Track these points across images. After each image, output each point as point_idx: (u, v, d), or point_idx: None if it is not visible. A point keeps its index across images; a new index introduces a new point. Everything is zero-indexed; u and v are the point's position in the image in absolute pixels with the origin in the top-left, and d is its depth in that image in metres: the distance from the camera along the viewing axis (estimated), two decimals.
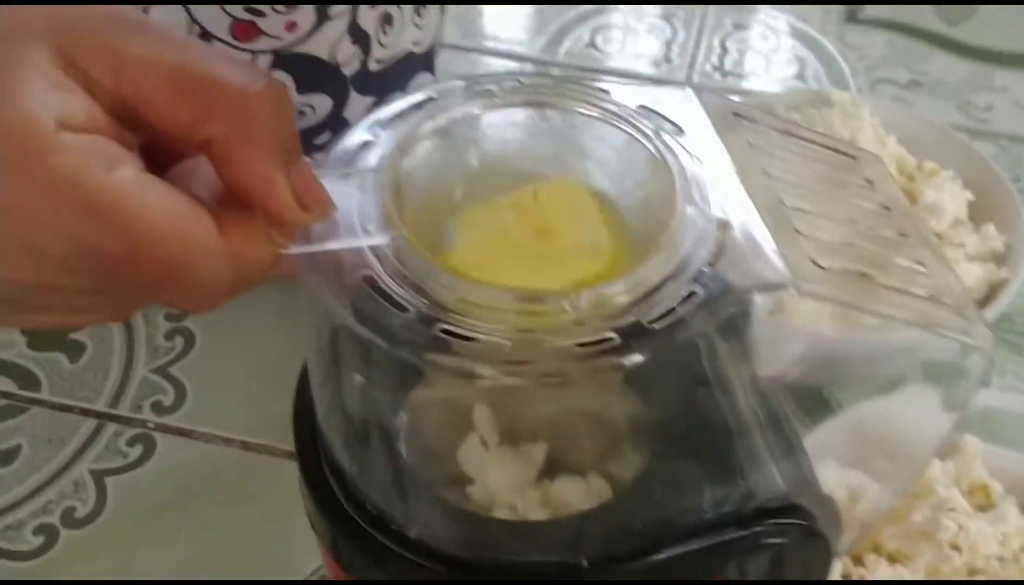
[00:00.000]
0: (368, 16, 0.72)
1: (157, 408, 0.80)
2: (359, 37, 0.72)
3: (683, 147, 0.47)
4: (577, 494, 0.51)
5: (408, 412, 0.51)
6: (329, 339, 0.44)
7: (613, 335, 0.40)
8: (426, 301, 0.41)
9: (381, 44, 0.74)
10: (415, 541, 0.46)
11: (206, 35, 0.67)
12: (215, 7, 0.66)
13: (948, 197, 0.79)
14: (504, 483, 0.52)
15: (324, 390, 0.47)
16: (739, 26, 1.13)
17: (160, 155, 0.41)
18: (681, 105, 0.49)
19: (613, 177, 0.47)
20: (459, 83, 0.48)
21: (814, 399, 0.63)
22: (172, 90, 0.38)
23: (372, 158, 0.45)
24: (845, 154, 0.51)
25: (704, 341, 0.43)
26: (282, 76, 0.71)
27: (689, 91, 0.49)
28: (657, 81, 0.48)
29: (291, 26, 0.69)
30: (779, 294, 0.58)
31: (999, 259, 0.79)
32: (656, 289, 0.41)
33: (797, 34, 1.12)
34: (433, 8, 0.78)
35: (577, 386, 0.48)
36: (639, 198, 0.47)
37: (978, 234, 0.80)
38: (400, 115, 0.47)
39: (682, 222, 0.43)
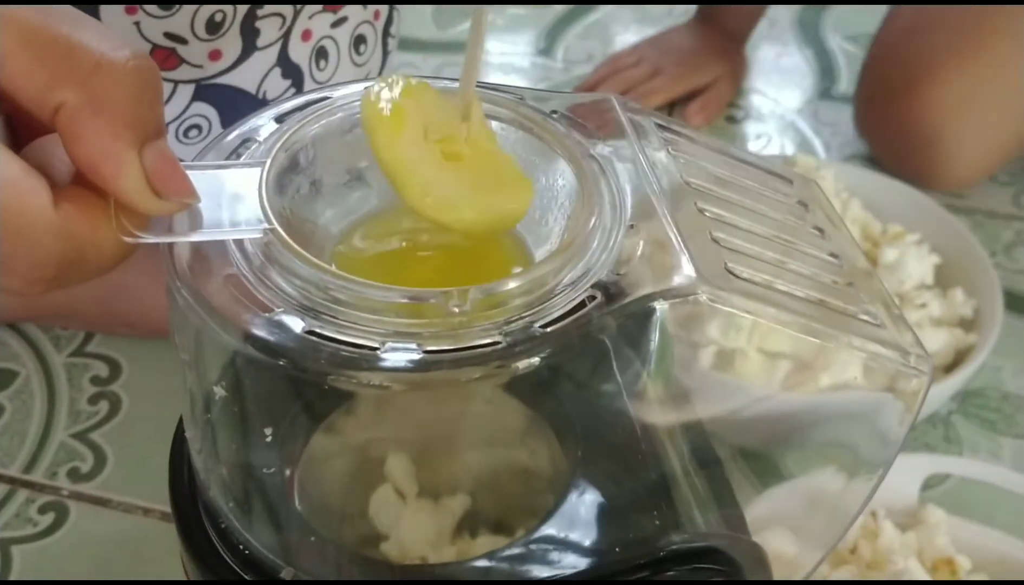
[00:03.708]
0: (300, 49, 0.69)
1: (73, 475, 0.76)
2: (290, 71, 0.69)
3: (596, 152, 0.43)
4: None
5: (292, 449, 0.46)
6: (193, 344, 0.40)
7: (500, 338, 0.36)
8: (294, 301, 0.36)
9: (315, 80, 0.71)
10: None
11: None
12: (133, 33, 0.62)
13: (912, 259, 0.75)
14: (421, 537, 0.47)
15: (190, 405, 0.42)
16: None
17: (23, 129, 0.38)
18: (601, 113, 0.45)
19: None
20: (361, 85, 0.45)
21: (766, 467, 0.58)
22: (26, 52, 0.35)
23: (256, 152, 0.41)
24: (779, 176, 0.48)
25: (609, 350, 0.40)
26: (205, 108, 0.67)
27: (611, 99, 0.46)
28: (582, 93, 0.45)
29: (215, 55, 0.65)
30: (723, 346, 0.54)
31: (967, 324, 0.75)
32: (553, 292, 0.37)
33: (769, 109, 1.10)
34: (375, 47, 0.75)
35: (472, 398, 0.44)
36: (547, 202, 0.43)
37: (945, 298, 0.75)
38: (293, 112, 0.43)
39: (588, 226, 0.39)
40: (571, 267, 0.38)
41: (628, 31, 1.21)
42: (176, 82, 0.66)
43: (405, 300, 0.36)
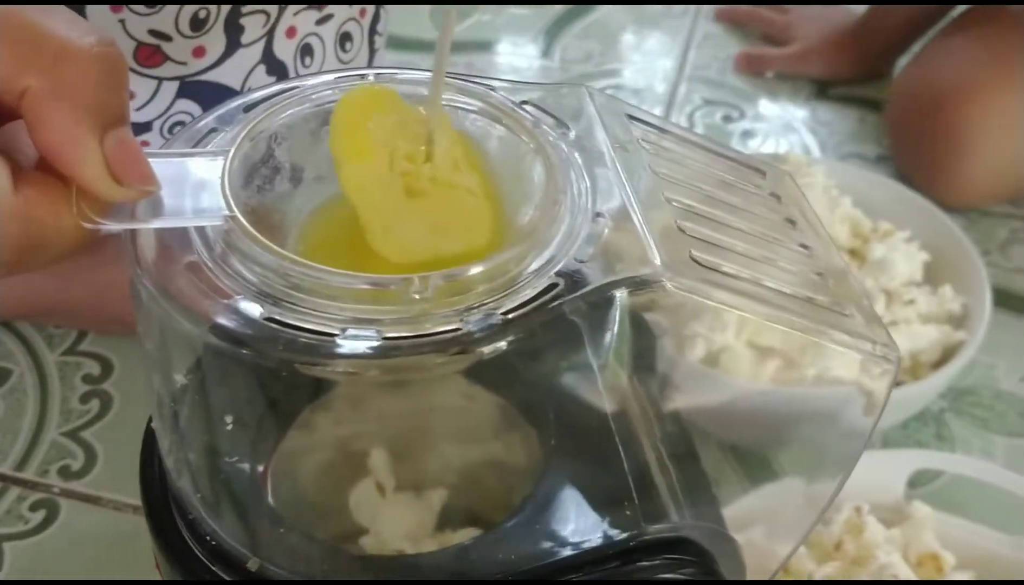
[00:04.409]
0: (285, 46, 0.69)
1: (64, 473, 0.76)
2: (275, 67, 0.69)
3: (564, 142, 0.43)
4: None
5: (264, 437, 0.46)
6: (156, 333, 0.40)
7: (460, 325, 0.36)
8: (254, 288, 0.36)
9: (300, 76, 0.71)
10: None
11: None
12: (118, 31, 0.63)
13: (900, 256, 0.74)
14: (400, 530, 0.47)
15: (155, 395, 0.42)
16: (709, 101, 1.10)
17: None
18: (572, 104, 0.45)
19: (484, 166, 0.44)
20: (330, 76, 0.45)
21: (752, 462, 0.58)
22: None
23: (223, 141, 0.41)
24: (752, 168, 0.47)
25: (579, 339, 0.39)
26: (190, 105, 0.67)
27: (583, 90, 0.46)
28: (552, 82, 0.44)
29: (199, 52, 0.65)
30: (711, 343, 0.54)
31: (956, 321, 0.74)
32: (516, 279, 0.37)
33: (766, 109, 1.09)
34: (362, 45, 0.75)
35: (445, 391, 0.44)
36: (514, 190, 0.42)
37: (935, 295, 0.75)
38: (263, 101, 0.43)
39: (552, 214, 0.39)
40: (535, 254, 0.38)
41: (626, 31, 1.21)
42: (161, 79, 0.66)
43: (365, 286, 0.36)
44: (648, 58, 1.17)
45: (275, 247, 0.36)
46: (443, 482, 0.49)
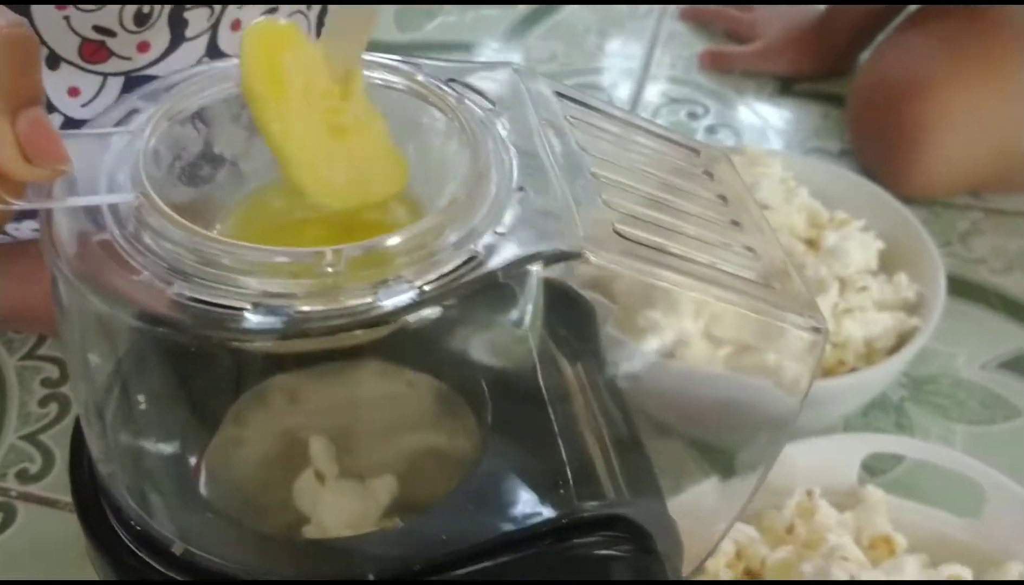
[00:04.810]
0: (230, 39, 0.69)
1: (22, 476, 0.75)
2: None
3: (490, 119, 0.43)
4: None
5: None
6: (72, 315, 0.39)
7: (372, 299, 0.35)
8: (166, 264, 0.36)
9: (225, 57, 0.70)
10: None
11: (54, 56, 0.64)
12: (63, 27, 0.62)
13: (856, 244, 0.74)
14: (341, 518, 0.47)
15: (80, 389, 0.42)
16: (674, 99, 1.10)
17: None
18: (499, 82, 0.45)
19: (411, 145, 0.43)
20: None
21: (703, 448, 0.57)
22: None
23: (143, 120, 0.41)
24: (686, 146, 0.47)
25: (509, 313, 0.39)
26: None
27: (510, 69, 0.46)
28: (483, 63, 0.44)
29: (143, 47, 0.65)
30: (666, 337, 0.53)
31: (911, 308, 0.74)
32: (434, 252, 0.37)
33: (730, 105, 1.09)
34: (309, 36, 0.74)
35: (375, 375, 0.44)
36: (435, 165, 0.42)
37: (889, 283, 0.75)
38: (180, 83, 0.43)
39: (475, 188, 0.39)
40: (454, 227, 0.37)
41: (592, 31, 1.21)
42: (106, 75, 0.66)
43: (280, 260, 0.36)
44: (614, 57, 1.17)
45: (186, 223, 0.36)
46: (383, 468, 0.49)
